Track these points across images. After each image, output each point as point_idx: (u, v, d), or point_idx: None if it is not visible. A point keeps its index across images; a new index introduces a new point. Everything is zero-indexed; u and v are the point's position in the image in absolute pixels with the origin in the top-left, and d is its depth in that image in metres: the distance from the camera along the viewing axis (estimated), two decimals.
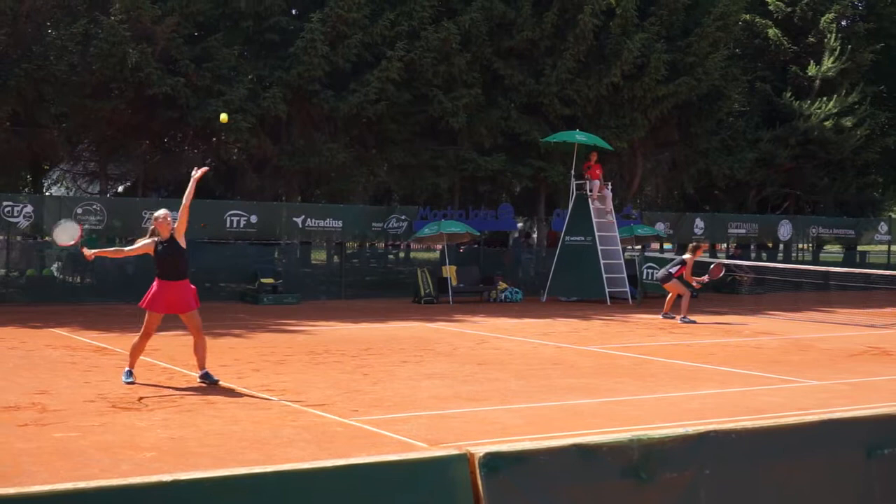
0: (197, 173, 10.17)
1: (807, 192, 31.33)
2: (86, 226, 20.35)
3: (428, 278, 22.14)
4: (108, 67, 20.25)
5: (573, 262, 22.44)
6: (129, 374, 9.97)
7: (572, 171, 23.17)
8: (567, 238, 22.88)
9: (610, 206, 23.29)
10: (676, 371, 11.71)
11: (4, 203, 19.71)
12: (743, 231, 28.83)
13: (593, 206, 22.67)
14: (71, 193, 27.75)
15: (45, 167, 26.32)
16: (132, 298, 19.64)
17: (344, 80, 22.48)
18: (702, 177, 28.96)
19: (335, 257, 26.60)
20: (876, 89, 30.92)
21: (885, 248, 33.29)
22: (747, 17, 29.16)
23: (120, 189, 27.45)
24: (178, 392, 9.49)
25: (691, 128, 27.59)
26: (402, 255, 33.55)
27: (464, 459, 3.74)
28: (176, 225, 9.98)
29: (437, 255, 27.04)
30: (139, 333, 9.96)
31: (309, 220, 22.63)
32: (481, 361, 12.20)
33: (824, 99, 28.87)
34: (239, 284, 21.79)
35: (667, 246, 31.91)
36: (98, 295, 20.55)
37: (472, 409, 8.91)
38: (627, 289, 22.39)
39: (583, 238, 22.54)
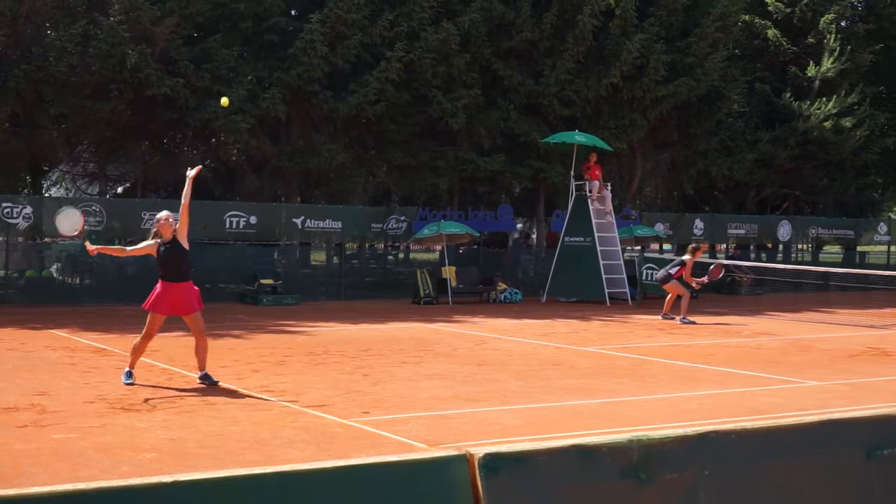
0: (191, 172, 10.17)
1: (806, 192, 31.34)
2: (85, 226, 20.35)
3: (427, 279, 22.14)
4: (107, 68, 20.25)
5: (573, 262, 22.44)
6: (129, 374, 9.97)
7: (572, 172, 23.17)
8: (566, 239, 22.88)
9: (609, 206, 23.29)
10: (676, 372, 11.71)
11: (4, 204, 19.70)
12: (742, 232, 28.83)
13: (593, 206, 22.67)
14: (70, 194, 27.74)
15: (45, 168, 26.32)
16: (132, 299, 19.71)
17: (343, 81, 22.48)
18: (701, 177, 28.97)
19: (335, 258, 26.60)
20: (875, 90, 30.94)
21: (884, 248, 33.30)
22: (746, 17, 29.17)
23: (119, 190, 27.45)
24: (177, 393, 9.48)
25: (691, 128, 27.59)
26: (401, 255, 33.54)
27: (463, 460, 3.74)
28: (178, 226, 9.97)
29: (436, 255, 27.04)
30: (141, 334, 9.96)
31: (308, 220, 22.62)
32: (481, 362, 12.20)
33: (824, 99, 28.88)
34: (238, 285, 21.79)
35: (666, 247, 31.92)
36: (97, 296, 20.55)
37: (472, 410, 8.91)
38: (627, 289, 22.40)
39: (582, 239, 22.54)
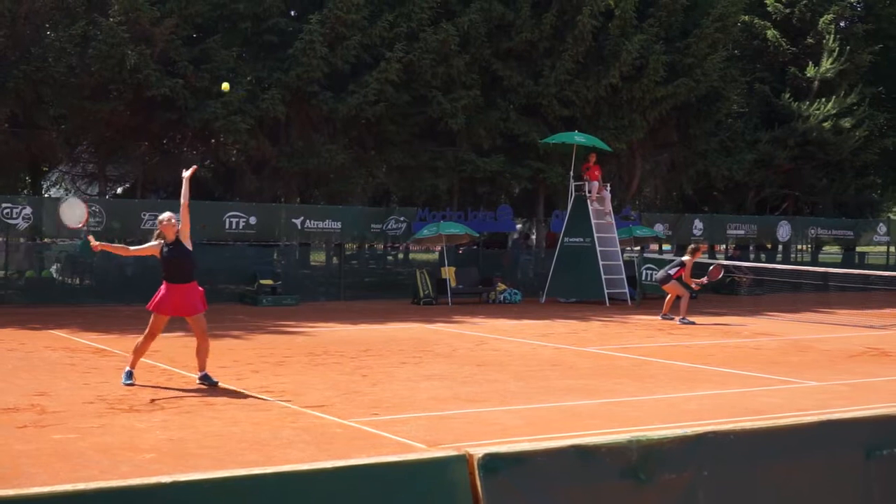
0: (186, 173, 10.18)
1: (805, 193, 31.36)
2: (84, 227, 20.37)
3: (427, 279, 22.14)
4: (106, 69, 20.25)
5: (572, 263, 22.44)
6: (129, 375, 9.96)
7: (571, 173, 23.18)
8: (566, 239, 22.88)
9: (609, 207, 23.30)
10: (675, 372, 11.71)
11: (3, 205, 19.71)
12: (742, 232, 28.83)
13: (592, 207, 22.68)
14: (70, 195, 27.72)
15: (44, 169, 26.32)
16: (131, 300, 19.74)
17: (343, 82, 22.48)
18: (700, 178, 28.98)
19: (334, 258, 26.60)
20: (874, 90, 30.95)
21: (883, 249, 33.30)
22: (746, 18, 29.18)
23: (119, 191, 27.46)
24: (177, 394, 9.48)
25: (690, 129, 27.60)
26: (400, 256, 33.54)
27: (463, 460, 3.74)
28: (180, 227, 9.96)
29: (436, 256, 27.04)
30: (143, 334, 9.95)
31: (308, 221, 22.62)
32: (480, 362, 12.21)
33: (823, 100, 28.89)
34: (238, 286, 21.79)
35: (666, 247, 31.94)
36: (97, 296, 20.55)
37: (471, 410, 8.92)
38: (626, 290, 22.40)
39: (582, 239, 22.54)
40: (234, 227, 21.63)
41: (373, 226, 23.61)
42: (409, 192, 26.61)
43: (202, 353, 10.00)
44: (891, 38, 31.28)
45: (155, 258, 10.19)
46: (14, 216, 19.76)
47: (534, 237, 29.33)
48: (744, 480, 4.31)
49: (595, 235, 22.35)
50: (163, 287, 9.87)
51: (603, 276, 22.11)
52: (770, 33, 29.78)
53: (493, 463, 3.75)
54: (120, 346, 13.20)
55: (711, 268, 19.25)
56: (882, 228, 31.83)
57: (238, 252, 22.80)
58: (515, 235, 30.52)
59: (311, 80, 21.91)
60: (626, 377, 11.16)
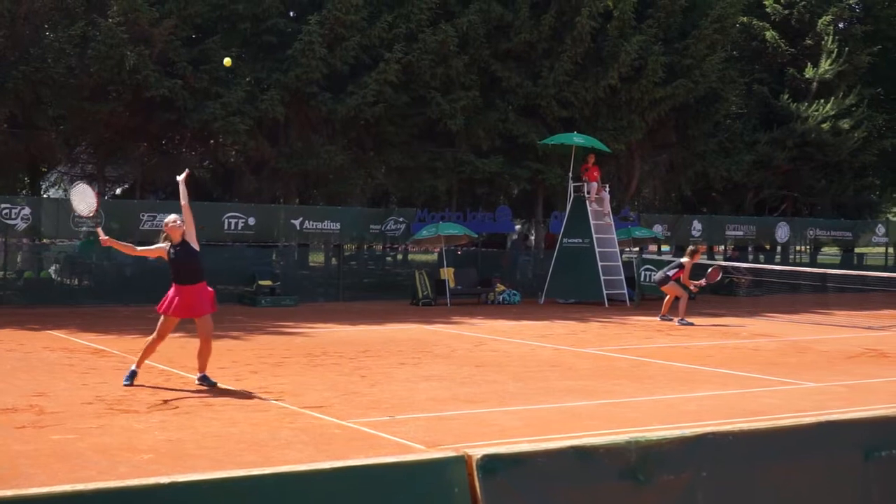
0: (181, 177, 10.18)
1: (804, 194, 31.37)
2: (84, 227, 20.37)
3: (426, 280, 22.15)
4: (105, 70, 20.24)
5: (571, 264, 22.44)
6: (132, 375, 9.92)
7: (570, 174, 23.18)
8: (565, 240, 22.89)
9: (608, 208, 23.31)
10: (674, 373, 11.72)
11: (2, 205, 19.71)
12: (740, 233, 28.85)
13: (591, 208, 22.69)
14: (68, 196, 27.70)
15: (43, 169, 26.30)
16: (130, 300, 19.77)
17: (342, 83, 22.48)
18: (699, 179, 28.99)
19: (333, 259, 26.59)
20: (873, 91, 30.98)
21: (882, 250, 33.33)
22: (744, 19, 29.19)
23: (118, 191, 27.45)
24: (176, 394, 9.48)
25: (689, 130, 27.61)
26: (399, 257, 33.54)
27: (461, 461, 3.74)
28: (185, 228, 9.95)
29: (434, 257, 27.03)
30: (153, 335, 9.91)
31: (307, 222, 22.62)
32: (479, 363, 12.20)
33: (822, 101, 28.91)
34: (237, 286, 21.77)
35: (664, 248, 31.93)
36: (96, 297, 20.54)
37: (470, 411, 8.91)
38: (625, 291, 22.41)
39: (580, 240, 22.55)
40: (232, 227, 21.63)
41: (372, 227, 23.61)
42: (407, 192, 26.61)
43: (204, 355, 9.98)
44: (889, 39, 31.32)
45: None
46: (13, 217, 19.75)
47: (533, 238, 29.34)
48: (742, 481, 4.31)
49: (594, 236, 22.35)
50: (172, 289, 9.83)
51: (602, 277, 22.11)
52: (769, 34, 29.80)
53: (491, 464, 3.75)
54: (118, 346, 13.20)
55: (710, 270, 19.25)
56: (881, 229, 31.85)
57: (237, 253, 22.78)
58: (514, 236, 30.51)
59: (310, 81, 21.91)
60: (624, 378, 11.16)
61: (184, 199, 10.07)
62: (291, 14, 23.36)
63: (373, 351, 13.25)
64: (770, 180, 30.12)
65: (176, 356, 11.98)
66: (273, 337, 14.93)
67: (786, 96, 29.14)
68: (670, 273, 18.62)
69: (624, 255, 23.88)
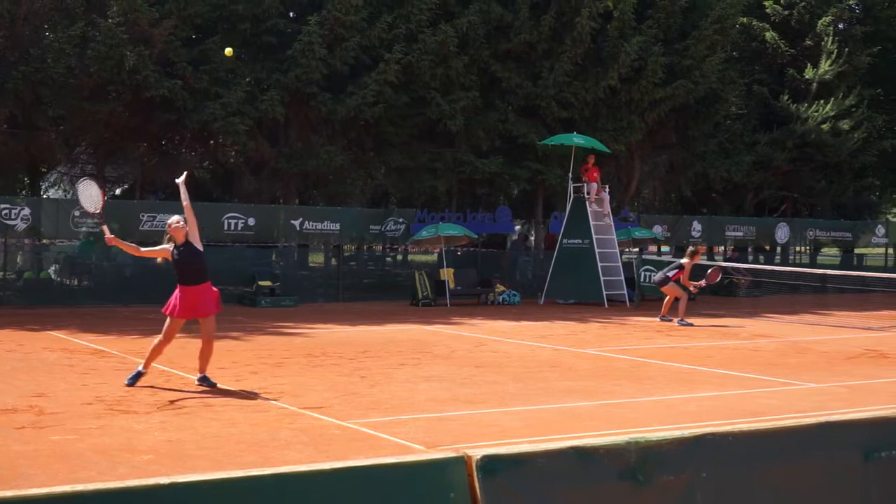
0: (180, 180, 10.19)
1: (804, 194, 31.38)
2: (83, 228, 20.37)
3: (426, 281, 22.15)
4: (105, 70, 20.24)
5: (571, 264, 22.45)
6: (137, 376, 9.89)
7: (570, 174, 23.18)
8: (565, 241, 22.89)
9: (607, 208, 23.32)
10: (674, 373, 11.72)
11: (2, 206, 19.71)
12: (740, 234, 28.86)
13: (591, 208, 22.69)
14: (68, 196, 27.71)
15: (43, 170, 26.30)
16: (130, 301, 19.78)
17: (341, 83, 22.48)
18: (699, 179, 29.00)
19: (333, 260, 26.60)
20: (873, 92, 30.99)
21: (882, 250, 33.36)
22: (744, 20, 29.21)
23: (117, 192, 27.45)
24: (175, 395, 9.48)
25: (688, 131, 27.62)
26: (399, 257, 33.55)
27: (461, 462, 3.74)
28: (188, 228, 9.94)
29: (434, 257, 27.04)
30: (159, 337, 9.89)
31: (306, 222, 22.62)
32: (479, 364, 12.20)
33: (821, 102, 28.92)
34: (237, 287, 21.76)
35: (664, 248, 31.95)
36: (95, 298, 20.54)
37: (470, 412, 8.91)
38: (625, 291, 22.41)
39: (580, 241, 22.55)
40: (232, 228, 21.63)
41: (371, 227, 23.62)
42: (407, 193, 26.62)
43: (205, 356, 9.97)
44: (889, 39, 31.33)
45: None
46: (13, 217, 19.76)
47: (532, 238, 29.34)
48: (742, 482, 4.31)
49: (594, 237, 22.36)
50: (177, 290, 9.82)
51: (601, 278, 22.11)
52: (769, 35, 29.81)
53: (491, 464, 3.75)
54: (118, 347, 13.20)
55: (710, 271, 19.25)
56: (880, 230, 31.86)
57: (237, 253, 22.79)
58: (514, 237, 30.51)
59: (309, 82, 21.91)
60: (624, 378, 11.16)
61: (185, 201, 10.07)
62: (291, 14, 23.36)
63: (372, 351, 13.25)
64: (770, 181, 30.13)
65: (176, 357, 11.97)
66: (273, 337, 14.93)
67: (786, 97, 29.15)
68: (670, 274, 18.62)
69: (624, 256, 23.88)
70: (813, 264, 30.88)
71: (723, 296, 25.71)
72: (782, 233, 29.35)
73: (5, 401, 8.97)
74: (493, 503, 3.71)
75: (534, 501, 3.79)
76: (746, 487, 4.32)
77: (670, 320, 18.35)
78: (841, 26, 30.63)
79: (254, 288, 21.13)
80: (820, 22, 29.51)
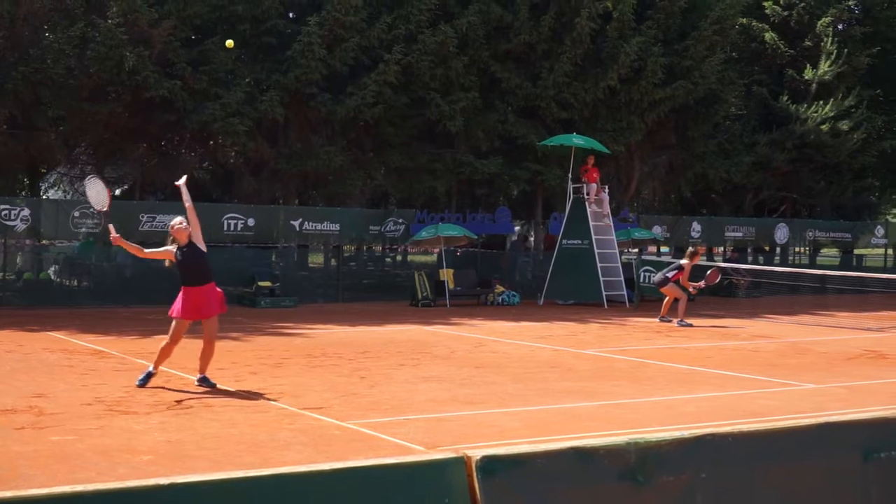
0: (180, 182, 10.20)
1: (803, 195, 31.39)
2: (83, 229, 20.37)
3: (425, 281, 22.15)
4: (105, 70, 20.24)
5: (570, 265, 22.44)
6: (147, 377, 9.89)
7: (569, 175, 23.18)
8: (564, 241, 22.89)
9: (607, 209, 23.32)
10: (673, 374, 11.72)
11: (1, 207, 19.71)
12: (740, 234, 28.86)
13: (590, 209, 22.69)
14: (68, 197, 27.72)
15: (43, 170, 26.30)
16: (129, 301, 19.77)
17: (341, 84, 22.49)
18: (699, 180, 29.01)
19: (332, 260, 26.60)
20: (872, 93, 30.99)
21: (881, 251, 33.36)
22: (744, 20, 29.21)
23: (117, 192, 27.42)
24: (175, 395, 9.48)
25: (688, 131, 27.62)
26: (399, 258, 33.55)
27: (461, 462, 3.74)
28: (191, 229, 9.95)
29: (434, 258, 27.05)
30: (167, 339, 9.86)
31: (306, 223, 22.62)
32: (479, 364, 12.21)
33: (821, 102, 28.93)
34: (236, 287, 21.75)
35: (664, 249, 31.95)
36: (95, 298, 20.53)
37: (470, 413, 8.91)
38: (624, 292, 22.41)
39: (580, 241, 22.55)
40: (232, 228, 21.63)
41: (371, 228, 23.62)
42: (407, 193, 26.62)
43: (206, 357, 9.97)
44: (889, 40, 31.33)
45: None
46: (12, 218, 19.75)
47: (532, 239, 29.35)
48: (742, 483, 4.31)
49: (593, 237, 22.36)
50: (182, 292, 9.82)
51: (601, 279, 22.11)
52: (768, 36, 29.82)
53: (491, 465, 3.75)
54: (118, 347, 13.21)
55: (709, 272, 19.26)
56: (880, 231, 31.87)
57: (236, 254, 22.79)
58: (514, 237, 30.52)
59: (309, 82, 21.92)
60: (624, 379, 11.16)
61: (188, 202, 10.09)
62: (291, 15, 23.37)
63: (372, 352, 13.25)
64: (769, 182, 30.14)
65: (176, 357, 11.92)
66: (272, 338, 14.93)
67: (785, 98, 29.15)
68: (669, 275, 18.63)
69: (623, 257, 23.88)
70: (812, 265, 30.88)
71: (722, 296, 25.72)
72: (782, 233, 29.36)
73: (5, 401, 8.97)
74: (493, 503, 3.71)
75: (533, 502, 3.78)
76: (746, 488, 4.32)
77: (670, 321, 18.35)
78: (840, 27, 30.63)
79: (253, 288, 21.13)
80: (819, 23, 29.52)
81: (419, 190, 25.38)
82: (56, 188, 30.36)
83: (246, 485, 3.45)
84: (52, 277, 22.42)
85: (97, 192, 10.66)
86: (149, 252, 10.44)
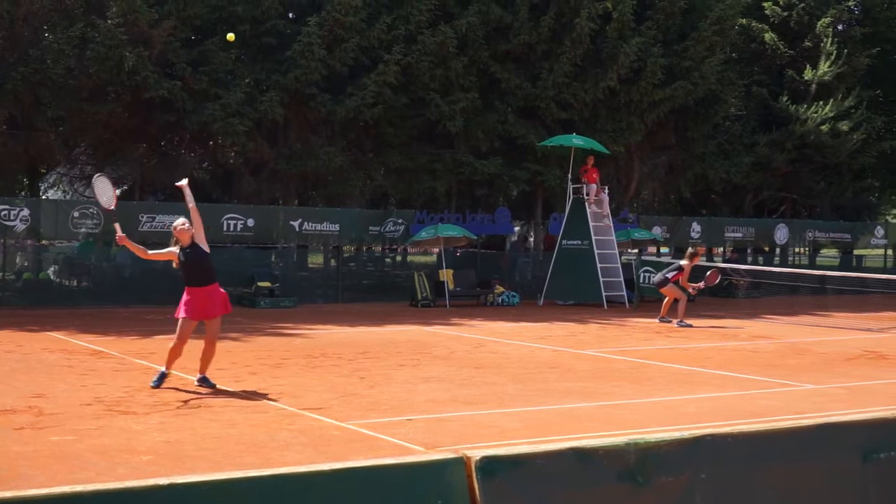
0: (181, 183, 10.21)
1: (803, 195, 31.39)
2: (82, 229, 20.36)
3: (425, 282, 22.14)
4: (104, 71, 20.24)
5: (570, 265, 22.45)
6: (162, 377, 9.87)
7: (569, 175, 23.19)
8: (564, 242, 22.89)
9: (607, 209, 23.32)
10: (673, 375, 11.72)
11: (1, 207, 19.72)
12: (739, 235, 28.86)
13: (590, 209, 22.69)
14: (68, 197, 27.73)
15: (42, 171, 26.30)
16: (129, 302, 19.77)
17: (341, 84, 22.49)
18: (698, 181, 29.01)
19: (332, 261, 26.59)
20: (872, 93, 31.00)
21: (881, 251, 33.35)
22: (743, 21, 29.22)
23: (117, 192, 27.40)
24: (174, 395, 9.47)
25: (688, 132, 27.62)
26: (398, 258, 33.55)
27: (460, 463, 3.74)
28: (194, 230, 9.95)
29: (434, 258, 27.04)
30: (174, 340, 9.84)
31: (306, 223, 22.62)
32: (478, 365, 12.20)
33: (821, 103, 28.93)
34: (236, 288, 21.71)
35: (664, 249, 31.95)
36: (95, 298, 20.54)
37: (469, 413, 8.91)
38: (624, 292, 22.41)
39: (580, 242, 22.55)
40: (231, 229, 21.63)
41: (371, 228, 23.62)
42: (407, 194, 26.61)
43: (206, 357, 9.96)
44: (888, 41, 31.34)
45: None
46: (12, 218, 19.75)
47: (532, 240, 29.35)
48: (741, 483, 4.31)
49: (593, 238, 22.36)
50: (186, 293, 9.82)
51: (601, 279, 22.12)
52: (768, 36, 29.82)
53: (490, 465, 3.75)
54: (117, 347, 13.20)
55: (709, 272, 19.26)
56: (879, 231, 31.87)
57: (236, 254, 22.79)
58: (513, 238, 30.51)
59: (309, 83, 21.92)
60: (623, 380, 11.16)
61: (190, 203, 10.09)
62: (291, 15, 23.38)
63: (372, 352, 13.25)
64: (769, 182, 30.15)
65: None
66: (272, 338, 14.93)
67: (785, 98, 29.16)
68: (669, 275, 18.63)
69: (623, 257, 23.89)
70: (812, 265, 30.88)
71: (722, 297, 25.72)
72: (781, 234, 29.36)
73: (4, 401, 8.97)
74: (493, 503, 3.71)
75: (533, 502, 3.79)
76: (746, 489, 4.32)
77: (669, 321, 18.35)
78: (840, 27, 30.65)
79: (253, 289, 21.13)
80: (819, 23, 29.52)
81: (419, 190, 25.38)
82: (56, 188, 30.36)
83: (246, 485, 3.45)
84: (52, 277, 22.42)
85: (105, 191, 10.67)
86: (153, 253, 10.44)
